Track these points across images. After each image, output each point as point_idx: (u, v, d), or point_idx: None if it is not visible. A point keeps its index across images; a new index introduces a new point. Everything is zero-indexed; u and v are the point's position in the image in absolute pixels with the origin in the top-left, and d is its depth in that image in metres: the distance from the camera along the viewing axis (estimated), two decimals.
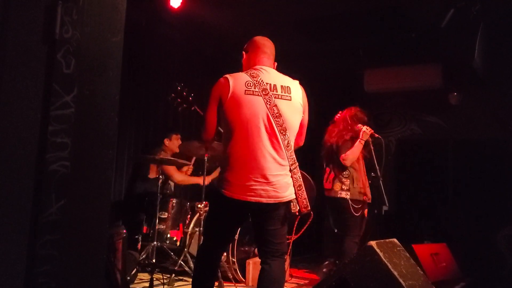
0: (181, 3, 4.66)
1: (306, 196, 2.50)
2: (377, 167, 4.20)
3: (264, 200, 2.41)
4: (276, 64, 2.72)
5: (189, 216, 4.54)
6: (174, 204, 4.52)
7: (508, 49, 5.30)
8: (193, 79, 5.60)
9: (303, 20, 5.33)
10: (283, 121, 2.45)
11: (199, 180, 4.83)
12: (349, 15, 5.14)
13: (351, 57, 6.18)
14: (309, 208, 2.49)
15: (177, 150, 4.77)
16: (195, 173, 5.08)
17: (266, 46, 2.68)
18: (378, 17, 5.08)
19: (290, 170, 2.49)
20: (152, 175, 4.79)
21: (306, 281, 4.75)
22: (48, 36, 1.74)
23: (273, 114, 2.43)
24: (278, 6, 4.93)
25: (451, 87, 6.38)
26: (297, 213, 2.48)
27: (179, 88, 3.28)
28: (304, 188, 2.51)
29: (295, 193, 2.49)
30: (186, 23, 5.28)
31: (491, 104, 6.25)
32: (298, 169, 2.52)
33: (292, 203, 2.47)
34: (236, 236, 4.18)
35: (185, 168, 4.98)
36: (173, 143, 4.82)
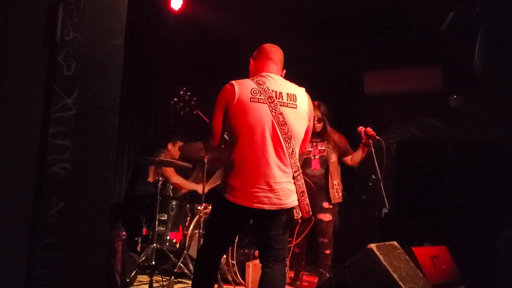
0: (182, 4, 4.66)
1: (308, 202, 2.50)
2: (378, 170, 4.20)
3: (266, 207, 2.41)
4: (284, 71, 2.69)
5: (188, 218, 4.53)
6: (173, 206, 4.51)
7: (508, 51, 5.31)
8: (194, 80, 5.59)
9: (304, 22, 5.33)
10: (288, 129, 2.43)
11: (196, 187, 4.82)
12: (349, 17, 5.14)
13: (351, 59, 6.18)
14: (311, 213, 2.50)
15: (177, 157, 4.75)
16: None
17: (273, 52, 2.65)
18: (378, 19, 5.08)
19: (294, 178, 2.49)
20: (151, 177, 4.79)
21: (306, 284, 4.74)
22: (49, 39, 1.74)
23: (278, 122, 2.42)
24: (278, 8, 4.93)
25: (451, 89, 6.38)
26: (299, 220, 2.48)
27: (181, 92, 3.28)
28: (306, 194, 2.52)
29: (298, 199, 2.49)
30: (187, 25, 5.28)
31: (491, 106, 6.25)
32: (302, 176, 2.52)
33: (294, 210, 2.47)
34: (236, 239, 4.17)
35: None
36: (176, 149, 4.80)
